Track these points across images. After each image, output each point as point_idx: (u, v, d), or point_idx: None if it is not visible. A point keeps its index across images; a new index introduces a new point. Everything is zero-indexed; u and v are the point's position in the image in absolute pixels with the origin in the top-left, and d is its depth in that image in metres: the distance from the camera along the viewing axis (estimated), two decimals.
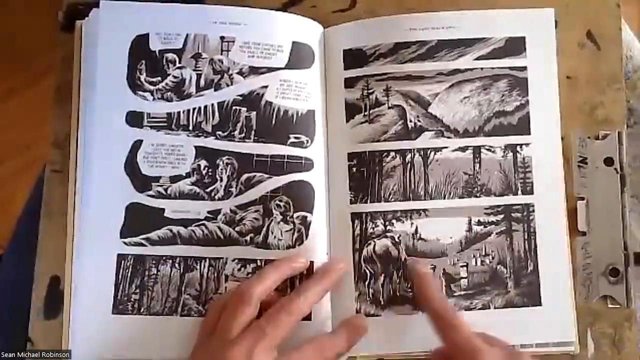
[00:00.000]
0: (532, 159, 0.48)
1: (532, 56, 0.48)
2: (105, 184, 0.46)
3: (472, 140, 0.48)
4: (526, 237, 0.47)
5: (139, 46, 0.48)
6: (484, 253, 0.47)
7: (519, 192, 0.47)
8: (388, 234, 0.47)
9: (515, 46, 0.49)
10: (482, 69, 0.48)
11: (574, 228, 0.48)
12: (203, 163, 0.47)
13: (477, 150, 0.48)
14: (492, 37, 0.49)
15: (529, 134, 0.48)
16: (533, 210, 0.47)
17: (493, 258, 0.47)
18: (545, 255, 0.47)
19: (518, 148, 0.48)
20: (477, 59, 0.48)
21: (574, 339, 0.46)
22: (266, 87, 0.48)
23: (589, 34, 0.50)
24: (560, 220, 0.47)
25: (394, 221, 0.47)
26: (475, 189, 0.48)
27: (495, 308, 0.46)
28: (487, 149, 0.48)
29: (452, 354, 0.41)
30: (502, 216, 0.47)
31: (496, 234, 0.47)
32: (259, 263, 0.46)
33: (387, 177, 0.48)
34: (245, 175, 0.47)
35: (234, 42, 0.48)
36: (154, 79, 0.48)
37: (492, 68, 0.48)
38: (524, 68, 0.48)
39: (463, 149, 0.48)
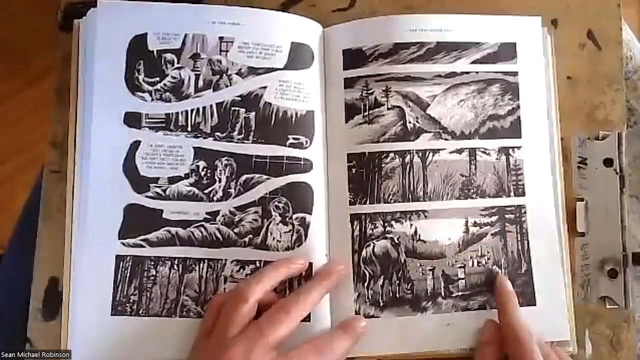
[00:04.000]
0: (524, 161, 0.48)
1: (523, 62, 0.49)
2: (103, 185, 0.46)
3: (468, 142, 0.48)
4: (519, 238, 0.47)
5: (137, 46, 0.48)
6: (480, 254, 0.47)
7: (512, 193, 0.48)
8: (387, 235, 0.47)
9: (507, 52, 0.49)
10: (477, 72, 0.49)
11: (573, 229, 0.48)
12: (202, 164, 0.47)
13: (472, 152, 0.48)
14: (486, 41, 0.49)
15: (520, 137, 0.48)
16: (525, 212, 0.47)
17: (489, 259, 0.47)
18: (538, 255, 0.47)
19: (510, 151, 0.48)
20: (472, 62, 0.49)
21: (569, 337, 0.46)
22: (265, 87, 0.48)
23: (590, 34, 0.50)
24: (552, 221, 0.48)
25: (393, 222, 0.47)
26: (472, 191, 0.48)
27: (491, 308, 0.46)
28: (482, 152, 0.48)
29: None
30: (496, 217, 0.47)
31: (491, 234, 0.47)
32: (257, 264, 0.46)
33: (386, 178, 0.47)
34: (244, 177, 0.47)
35: (232, 42, 0.48)
36: (152, 80, 0.48)
37: (487, 72, 0.49)
38: (516, 73, 0.49)
39: (459, 151, 0.48)
